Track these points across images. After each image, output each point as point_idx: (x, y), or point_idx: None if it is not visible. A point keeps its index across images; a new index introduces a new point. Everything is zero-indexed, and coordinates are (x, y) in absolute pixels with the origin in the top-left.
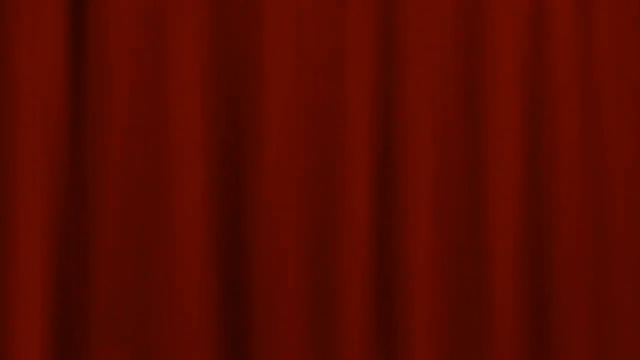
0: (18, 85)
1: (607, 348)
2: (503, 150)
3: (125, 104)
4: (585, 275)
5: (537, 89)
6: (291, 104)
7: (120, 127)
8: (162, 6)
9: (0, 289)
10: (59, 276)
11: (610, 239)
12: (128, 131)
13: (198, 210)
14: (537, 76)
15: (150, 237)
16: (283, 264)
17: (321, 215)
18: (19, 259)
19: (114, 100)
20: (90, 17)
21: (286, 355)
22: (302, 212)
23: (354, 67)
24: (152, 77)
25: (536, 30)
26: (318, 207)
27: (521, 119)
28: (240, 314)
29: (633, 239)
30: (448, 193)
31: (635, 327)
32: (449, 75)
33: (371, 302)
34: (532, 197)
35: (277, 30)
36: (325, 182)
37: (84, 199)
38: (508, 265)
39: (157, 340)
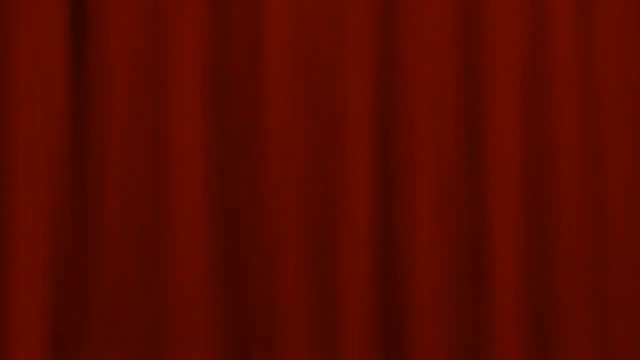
0: (18, 85)
1: (607, 348)
2: (503, 150)
3: (125, 104)
4: (585, 275)
5: (537, 89)
6: (291, 104)
7: (120, 127)
8: (162, 6)
9: (0, 289)
10: (59, 276)
11: (610, 239)
12: (128, 131)
13: (198, 210)
14: (537, 76)
15: (150, 237)
16: (284, 264)
17: (322, 214)
18: (19, 259)
19: (114, 100)
20: (90, 17)
21: (288, 356)
22: (303, 211)
23: (354, 67)
24: (152, 77)
25: (536, 30)
26: (319, 207)
27: (521, 119)
28: (241, 314)
29: (633, 239)
30: (449, 193)
31: (636, 327)
32: (449, 75)
33: (373, 302)
34: (532, 197)
35: (277, 30)
36: (326, 181)
37: (84, 199)
38: (509, 265)
39: (157, 340)
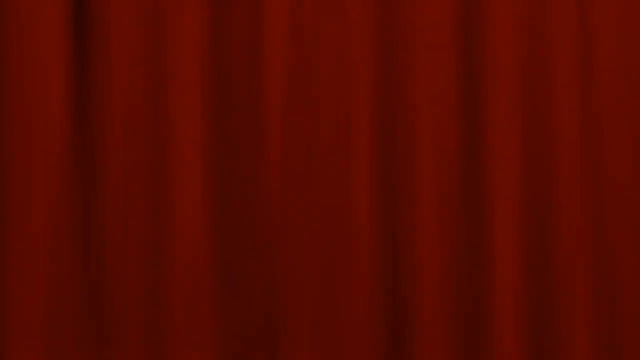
0: (18, 84)
1: (607, 348)
2: (503, 150)
3: (126, 103)
4: (585, 275)
5: (537, 88)
6: (291, 104)
7: (120, 127)
8: (162, 6)
9: (0, 288)
10: (59, 276)
11: (611, 239)
12: (128, 130)
13: (198, 210)
14: (537, 76)
15: (151, 237)
16: (286, 264)
17: (324, 214)
18: (19, 258)
19: (114, 100)
20: (91, 17)
21: (288, 356)
22: (304, 211)
23: (355, 67)
24: (152, 77)
25: (536, 30)
26: (321, 206)
27: (521, 119)
28: (243, 314)
29: (633, 239)
30: (449, 192)
31: (636, 327)
32: (449, 75)
33: (375, 303)
34: (532, 197)
35: (277, 30)
36: (328, 180)
37: (85, 198)
38: (509, 265)
39: (158, 341)
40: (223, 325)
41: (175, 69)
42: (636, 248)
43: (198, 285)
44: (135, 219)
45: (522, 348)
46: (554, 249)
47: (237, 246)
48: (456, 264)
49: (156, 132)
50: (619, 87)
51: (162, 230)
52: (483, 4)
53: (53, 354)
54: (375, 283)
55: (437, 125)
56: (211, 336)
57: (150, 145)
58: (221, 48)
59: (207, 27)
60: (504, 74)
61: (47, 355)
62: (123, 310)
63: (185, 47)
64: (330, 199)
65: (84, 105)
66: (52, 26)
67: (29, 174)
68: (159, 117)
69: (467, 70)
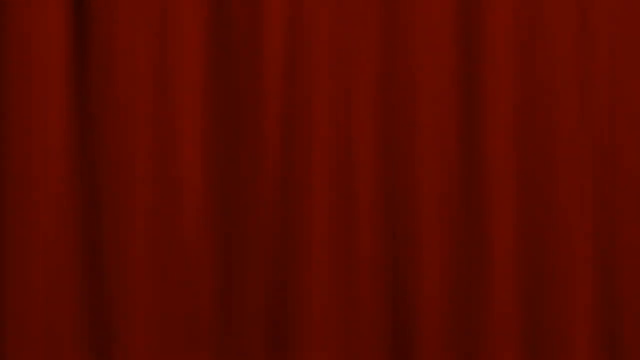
0: (20, 85)
1: (608, 348)
2: (503, 150)
3: (127, 103)
4: (585, 275)
5: (537, 89)
6: (291, 103)
7: (121, 127)
8: (163, 6)
9: (1, 289)
10: (60, 276)
11: (611, 238)
12: (130, 130)
13: (201, 210)
14: (537, 76)
15: (153, 237)
16: (287, 264)
17: (326, 213)
18: (21, 257)
19: (115, 99)
20: (92, 16)
21: (288, 357)
22: (304, 210)
23: (354, 67)
24: (152, 77)
25: (536, 30)
26: (322, 206)
27: (521, 118)
28: (244, 315)
29: (634, 239)
30: (450, 192)
31: (636, 327)
32: (450, 75)
33: (378, 303)
34: (532, 197)
35: (277, 29)
36: (328, 180)
37: (86, 197)
38: (509, 265)
39: (161, 342)
40: (225, 327)
41: (176, 69)
42: (637, 248)
43: (200, 287)
44: (137, 218)
45: (522, 348)
46: (553, 248)
47: (239, 247)
48: (456, 264)
49: (156, 131)
50: (619, 87)
51: (164, 231)
52: (483, 3)
53: (53, 354)
54: (376, 282)
55: (437, 125)
56: (214, 337)
57: (151, 145)
58: (221, 48)
59: (208, 26)
60: (503, 73)
61: (47, 356)
62: (124, 311)
63: (185, 47)
64: (331, 198)
65: (84, 105)
66: (52, 26)
67: (29, 174)
68: (159, 116)
69: (466, 70)
